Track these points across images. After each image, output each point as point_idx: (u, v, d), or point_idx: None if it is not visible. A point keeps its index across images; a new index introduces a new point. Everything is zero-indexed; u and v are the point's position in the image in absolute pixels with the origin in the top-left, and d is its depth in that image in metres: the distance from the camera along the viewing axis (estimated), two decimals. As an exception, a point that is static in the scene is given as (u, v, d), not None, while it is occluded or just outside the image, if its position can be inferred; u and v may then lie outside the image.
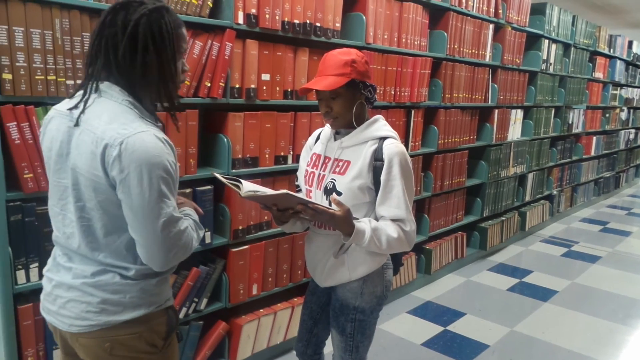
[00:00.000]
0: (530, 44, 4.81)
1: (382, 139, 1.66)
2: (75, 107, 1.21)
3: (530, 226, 5.36)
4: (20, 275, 1.81)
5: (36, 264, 1.84)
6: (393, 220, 1.62)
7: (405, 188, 1.62)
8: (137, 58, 1.19)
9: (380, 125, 1.69)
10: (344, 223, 1.54)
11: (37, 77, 1.74)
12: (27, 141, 1.74)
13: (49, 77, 1.77)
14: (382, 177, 1.61)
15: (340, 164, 1.69)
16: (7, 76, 1.68)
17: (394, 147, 1.63)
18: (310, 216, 1.55)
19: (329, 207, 1.55)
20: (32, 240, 1.82)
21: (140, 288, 1.28)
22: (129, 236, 1.24)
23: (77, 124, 1.20)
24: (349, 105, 1.65)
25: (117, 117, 1.18)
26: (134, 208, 1.17)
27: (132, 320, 1.27)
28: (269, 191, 1.51)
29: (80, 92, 1.23)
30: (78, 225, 1.24)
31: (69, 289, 1.27)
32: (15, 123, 1.71)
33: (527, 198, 5.25)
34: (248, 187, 1.49)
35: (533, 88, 4.89)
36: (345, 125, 1.71)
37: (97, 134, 1.16)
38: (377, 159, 1.63)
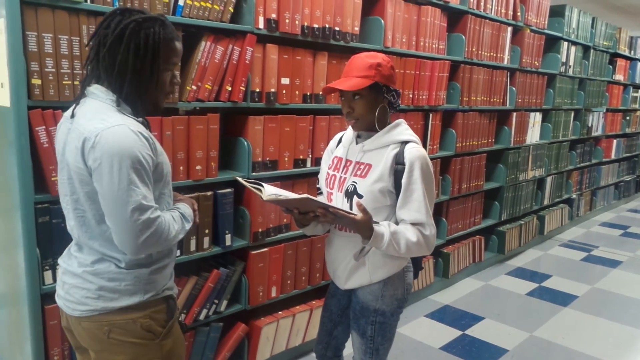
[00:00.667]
0: (549, 47, 4.77)
1: (404, 143, 1.67)
2: (72, 113, 1.35)
3: (549, 230, 5.31)
4: (47, 275, 1.85)
5: (62, 265, 1.88)
6: (413, 224, 1.63)
7: (426, 192, 1.63)
8: (117, 57, 1.30)
9: (402, 129, 1.70)
10: (363, 227, 1.56)
11: (64, 82, 1.78)
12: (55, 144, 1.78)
13: (75, 82, 1.81)
14: (403, 181, 1.62)
15: (362, 167, 1.70)
16: (37, 81, 1.72)
17: (415, 151, 1.64)
18: (331, 220, 1.57)
19: (350, 211, 1.56)
20: (59, 242, 1.86)
21: (134, 277, 1.37)
22: None
23: (70, 127, 1.32)
24: (371, 107, 1.67)
25: (98, 113, 1.29)
26: (105, 195, 1.27)
27: (128, 307, 1.37)
28: (290, 195, 1.53)
29: (78, 97, 1.38)
30: (75, 217, 1.37)
31: (73, 276, 1.40)
32: (43, 127, 1.75)
33: (546, 202, 5.20)
34: (270, 191, 1.51)
35: (552, 91, 4.85)
36: (366, 128, 1.72)
37: (80, 130, 1.28)
38: (398, 162, 1.64)
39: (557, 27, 4.74)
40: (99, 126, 1.25)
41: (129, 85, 1.33)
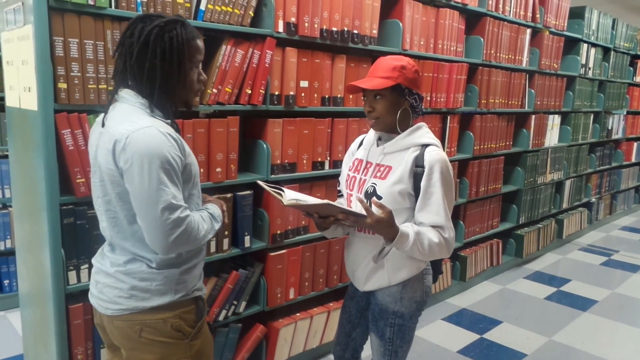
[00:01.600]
0: (569, 49, 4.72)
1: (424, 146, 1.67)
2: (104, 117, 1.39)
3: (568, 234, 5.25)
4: (72, 275, 1.89)
5: (86, 265, 1.92)
6: (432, 227, 1.63)
7: (445, 195, 1.63)
8: (146, 65, 1.34)
9: (423, 133, 1.71)
10: (386, 226, 1.55)
11: (89, 86, 1.82)
12: (80, 147, 1.82)
13: (100, 86, 1.84)
14: (422, 184, 1.63)
15: (382, 169, 1.71)
16: (63, 85, 1.76)
17: (435, 154, 1.64)
18: (352, 223, 1.58)
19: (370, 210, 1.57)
20: (83, 243, 1.90)
21: (165, 277, 1.40)
22: None
23: (102, 131, 1.37)
24: (392, 108, 1.68)
25: (128, 116, 1.33)
26: (136, 195, 1.30)
27: (159, 307, 1.40)
28: (310, 200, 1.54)
29: (108, 102, 1.42)
30: (107, 218, 1.41)
31: (106, 275, 1.43)
32: (69, 130, 1.79)
33: (565, 205, 5.14)
34: (290, 195, 1.52)
35: (571, 93, 4.80)
36: (385, 128, 1.73)
37: (111, 132, 1.32)
38: (418, 165, 1.65)
39: (577, 29, 4.69)
40: (129, 128, 1.29)
41: (160, 89, 1.36)
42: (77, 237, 1.88)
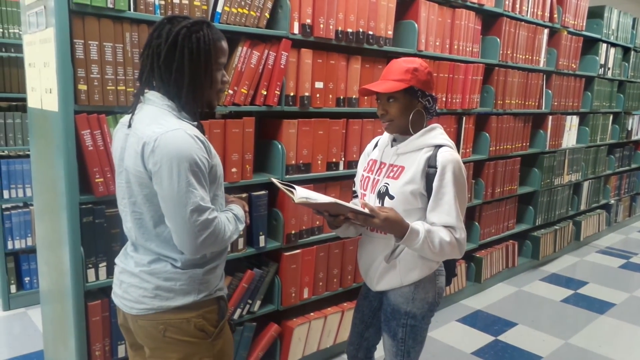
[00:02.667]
0: (587, 48, 4.67)
1: (438, 146, 1.68)
2: (130, 120, 1.40)
3: (586, 236, 5.18)
4: (91, 273, 1.93)
5: (104, 263, 1.95)
6: (444, 227, 1.64)
7: (457, 196, 1.63)
8: (174, 65, 1.35)
9: (436, 134, 1.71)
10: (396, 224, 1.56)
11: (108, 87, 1.86)
12: (99, 147, 1.86)
13: (119, 88, 1.88)
14: (435, 184, 1.63)
15: (395, 169, 1.72)
16: (83, 87, 1.80)
17: (448, 154, 1.64)
18: (362, 222, 1.59)
19: (380, 207, 1.59)
20: (102, 241, 1.94)
21: (189, 277, 1.41)
22: None
23: (129, 132, 1.38)
24: (405, 110, 1.69)
25: (156, 119, 1.34)
26: (165, 197, 1.31)
27: (183, 306, 1.41)
28: (320, 198, 1.56)
29: (133, 104, 1.42)
30: (132, 219, 1.42)
31: (130, 275, 1.44)
32: (88, 130, 1.83)
33: (583, 207, 5.08)
34: (301, 193, 1.54)
35: (589, 94, 4.74)
36: (399, 130, 1.74)
37: (139, 135, 1.33)
38: (430, 165, 1.65)
39: (596, 29, 4.63)
40: (157, 130, 1.30)
41: (187, 89, 1.37)
42: (95, 235, 1.92)
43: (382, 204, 1.70)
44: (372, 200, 1.75)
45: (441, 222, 1.63)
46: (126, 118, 1.44)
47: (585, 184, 5.04)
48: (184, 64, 1.35)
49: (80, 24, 1.77)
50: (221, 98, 2.16)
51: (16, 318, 3.20)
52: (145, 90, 1.41)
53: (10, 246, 3.26)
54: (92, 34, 1.80)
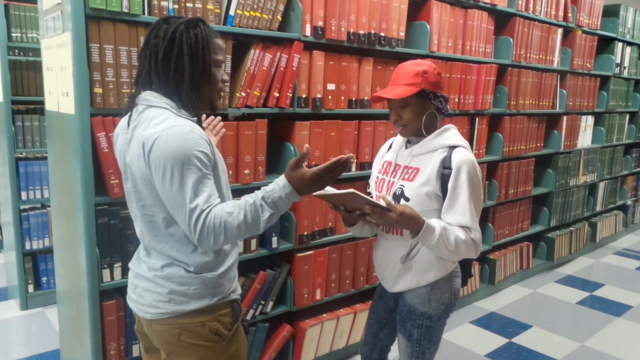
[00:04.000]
0: (602, 48, 4.62)
1: (452, 147, 1.68)
2: (129, 122, 1.39)
3: (602, 237, 5.12)
4: (106, 273, 1.96)
5: (119, 264, 1.98)
6: (459, 226, 1.64)
7: (472, 196, 1.63)
8: (173, 61, 1.34)
9: (450, 134, 1.71)
10: (412, 219, 1.56)
11: (123, 90, 1.89)
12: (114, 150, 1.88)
13: (134, 91, 1.90)
14: (450, 185, 1.63)
15: (410, 171, 1.72)
16: (98, 90, 1.83)
17: (463, 155, 1.65)
18: (377, 216, 1.58)
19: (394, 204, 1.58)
20: (116, 242, 1.97)
21: (202, 281, 1.41)
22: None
23: (131, 136, 1.37)
24: (418, 114, 1.69)
25: (154, 119, 1.33)
26: (165, 198, 1.32)
27: (197, 310, 1.41)
28: (337, 191, 1.57)
29: (131, 106, 1.40)
30: (143, 222, 1.41)
31: (144, 280, 1.44)
32: (104, 133, 1.86)
33: (599, 208, 5.02)
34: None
35: (605, 93, 4.69)
36: (414, 134, 1.74)
37: (139, 137, 1.32)
38: (445, 166, 1.65)
39: (611, 28, 4.58)
40: (153, 131, 1.30)
41: (188, 85, 1.36)
42: (110, 236, 1.95)
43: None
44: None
45: (456, 222, 1.63)
46: (124, 121, 1.42)
47: (601, 185, 4.98)
48: (183, 59, 1.34)
49: (96, 29, 1.80)
50: (233, 100, 2.21)
51: (33, 317, 3.26)
52: (141, 92, 1.39)
53: (28, 246, 3.32)
54: (107, 38, 1.83)
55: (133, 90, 1.43)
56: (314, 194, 1.48)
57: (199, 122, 1.42)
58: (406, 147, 1.79)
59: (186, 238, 1.38)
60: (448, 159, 1.65)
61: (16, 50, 3.60)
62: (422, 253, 1.71)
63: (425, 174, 1.67)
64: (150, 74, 1.38)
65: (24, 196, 3.29)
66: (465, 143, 1.72)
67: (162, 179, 1.29)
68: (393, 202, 1.58)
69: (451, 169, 1.63)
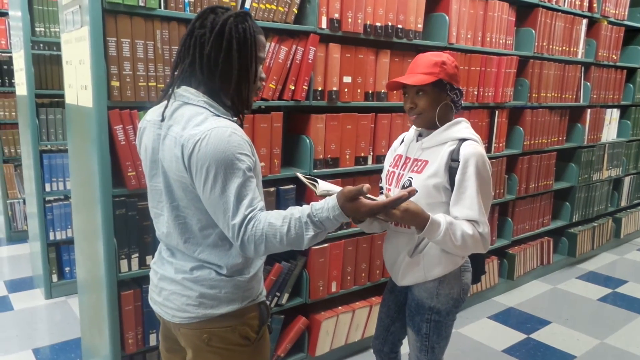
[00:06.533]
0: (630, 39, 4.50)
1: (462, 140, 1.66)
2: (161, 117, 1.32)
3: (626, 233, 5.01)
4: (123, 264, 2.00)
5: (137, 254, 2.02)
6: (467, 221, 1.62)
7: (480, 190, 1.61)
8: (221, 55, 1.28)
9: (461, 128, 1.70)
10: (416, 215, 1.54)
11: (140, 83, 1.91)
12: (131, 142, 1.92)
13: (150, 84, 1.93)
14: (457, 177, 1.62)
15: (419, 163, 1.72)
16: (115, 83, 1.86)
17: (471, 148, 1.63)
18: (382, 213, 1.58)
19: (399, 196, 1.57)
20: (134, 233, 2.00)
21: (234, 284, 1.36)
22: (217, 228, 1.32)
23: (164, 134, 1.30)
24: (433, 103, 1.68)
25: (193, 118, 1.26)
26: (206, 202, 1.26)
27: (227, 314, 1.36)
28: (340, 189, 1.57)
29: (164, 102, 1.33)
30: (175, 224, 1.35)
31: (171, 282, 1.39)
32: (121, 126, 1.89)
33: (623, 203, 4.91)
34: (323, 186, 1.56)
35: (632, 86, 4.57)
36: (427, 124, 1.73)
37: (177, 137, 1.26)
38: (453, 159, 1.64)
39: (639, 18, 4.45)
40: (193, 133, 1.23)
41: (235, 83, 1.30)
42: (128, 227, 1.99)
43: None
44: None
45: (463, 216, 1.61)
46: (151, 116, 1.37)
47: (627, 180, 4.86)
48: (232, 55, 1.27)
49: (113, 23, 1.83)
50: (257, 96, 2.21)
51: (57, 306, 3.34)
52: (177, 86, 1.33)
53: (52, 237, 3.40)
54: (124, 32, 1.85)
55: (168, 81, 1.37)
56: (318, 193, 1.47)
57: (240, 123, 1.36)
58: (417, 140, 1.77)
59: (220, 241, 1.34)
60: (456, 152, 1.64)
61: (40, 45, 3.68)
62: (430, 247, 1.70)
63: (434, 166, 1.66)
64: (194, 66, 1.30)
65: (47, 188, 3.37)
66: (476, 137, 1.70)
67: (203, 183, 1.23)
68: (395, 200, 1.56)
69: (459, 162, 1.62)
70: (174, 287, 1.38)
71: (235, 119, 1.34)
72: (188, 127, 1.25)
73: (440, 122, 1.70)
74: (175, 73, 1.34)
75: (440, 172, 1.65)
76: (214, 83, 1.30)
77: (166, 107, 1.31)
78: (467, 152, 1.62)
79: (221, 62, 1.28)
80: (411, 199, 1.65)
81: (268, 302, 2.39)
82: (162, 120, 1.31)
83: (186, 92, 1.31)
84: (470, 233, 1.59)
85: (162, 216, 1.39)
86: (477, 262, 1.86)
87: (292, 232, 1.24)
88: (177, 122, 1.28)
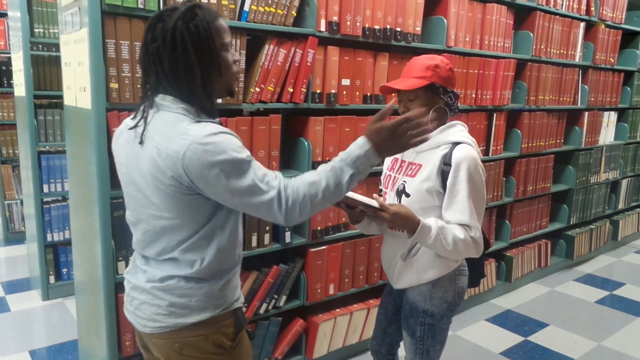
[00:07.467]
0: (627, 42, 4.51)
1: (455, 144, 1.66)
2: (137, 125, 1.27)
3: (624, 236, 5.02)
4: (121, 265, 2.00)
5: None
6: (459, 225, 1.62)
7: (471, 194, 1.60)
8: (180, 64, 1.22)
9: (455, 131, 1.70)
10: (406, 219, 1.56)
11: (139, 86, 1.91)
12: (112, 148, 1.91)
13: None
14: (449, 181, 1.62)
15: (413, 167, 1.72)
16: (114, 85, 1.86)
17: (463, 152, 1.62)
18: (373, 215, 1.60)
19: (389, 204, 1.60)
20: (131, 235, 1.99)
21: (204, 292, 1.32)
22: (194, 235, 1.28)
23: (141, 141, 1.24)
24: (426, 107, 1.68)
25: (175, 127, 1.21)
26: (227, 201, 1.23)
27: (199, 323, 1.32)
28: None
29: (141, 109, 1.29)
30: (152, 231, 1.31)
31: (142, 291, 1.34)
32: (119, 128, 1.88)
33: (621, 206, 4.93)
34: None
35: (629, 89, 4.59)
36: None
37: (159, 147, 1.20)
38: (446, 163, 1.64)
39: (636, 22, 4.48)
40: (179, 142, 1.18)
41: (202, 84, 1.25)
42: (125, 229, 1.94)
43: (400, 202, 1.71)
44: (392, 198, 1.76)
45: (455, 220, 1.61)
46: (131, 122, 1.31)
47: (624, 182, 4.88)
48: (191, 61, 1.22)
49: (112, 24, 1.83)
50: (247, 95, 2.21)
51: (54, 308, 3.34)
52: (155, 95, 1.27)
53: (49, 238, 3.40)
54: (123, 34, 1.85)
55: (141, 96, 1.32)
56: None
57: (220, 124, 1.30)
58: None
59: (193, 245, 1.29)
60: (449, 156, 1.63)
61: (39, 46, 3.67)
62: (423, 251, 1.70)
63: (427, 170, 1.67)
64: (159, 81, 1.26)
65: (45, 189, 3.37)
66: (471, 140, 1.69)
67: (212, 187, 1.20)
68: (386, 203, 1.58)
69: (451, 165, 1.62)
70: (144, 297, 1.34)
71: (217, 120, 1.29)
72: (172, 138, 1.19)
73: (434, 125, 1.71)
74: (147, 87, 1.30)
75: (432, 176, 1.65)
76: (183, 90, 1.25)
77: (145, 114, 1.27)
78: (459, 156, 1.61)
79: (183, 72, 1.23)
80: (404, 203, 1.67)
81: (266, 305, 2.41)
82: (142, 128, 1.26)
83: (164, 100, 1.26)
84: (461, 237, 1.59)
85: (140, 223, 1.34)
86: (477, 266, 1.86)
87: (331, 183, 1.25)
88: (157, 130, 1.23)
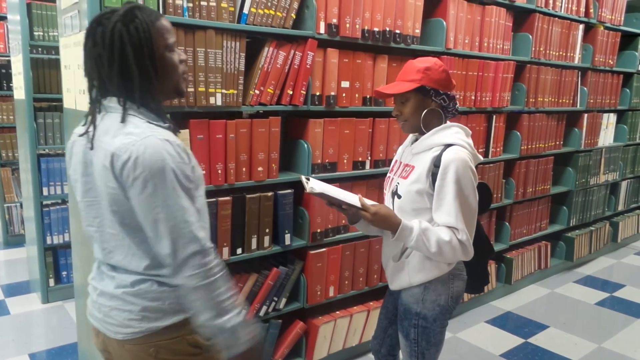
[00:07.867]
0: (626, 44, 4.52)
1: (447, 145, 1.65)
2: (87, 130, 1.24)
3: (623, 237, 5.02)
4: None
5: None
6: (447, 227, 1.61)
7: (458, 196, 1.59)
8: (120, 65, 1.19)
9: (449, 133, 1.68)
10: (387, 219, 1.59)
11: (138, 88, 1.91)
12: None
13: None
14: (437, 183, 1.61)
15: (407, 168, 1.73)
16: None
17: (452, 153, 1.61)
18: (355, 214, 1.67)
19: (368, 205, 1.63)
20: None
21: (177, 295, 1.28)
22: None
23: (92, 146, 1.22)
24: (418, 110, 1.69)
25: (122, 128, 1.19)
26: (143, 218, 1.19)
27: (173, 325, 1.29)
28: (327, 189, 1.62)
29: (89, 114, 1.26)
30: (113, 239, 1.27)
31: (111, 298, 1.30)
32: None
33: (620, 207, 4.93)
34: (312, 184, 1.60)
35: (628, 90, 4.59)
36: (415, 130, 1.75)
37: (107, 148, 1.18)
38: (436, 164, 1.63)
39: (635, 23, 4.49)
40: (126, 142, 1.16)
41: (142, 84, 1.21)
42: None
43: (394, 203, 1.73)
44: (388, 199, 1.77)
45: (442, 222, 1.61)
46: (79, 130, 1.29)
47: (624, 184, 4.88)
48: (129, 62, 1.19)
49: (112, 27, 1.83)
50: (247, 98, 2.22)
51: (54, 311, 3.33)
52: (102, 98, 1.24)
53: (49, 241, 3.39)
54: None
55: (89, 102, 1.28)
56: (307, 191, 1.53)
57: (173, 129, 1.27)
58: (411, 145, 1.79)
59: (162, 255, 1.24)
60: (439, 157, 1.62)
61: (39, 49, 3.68)
62: (415, 253, 1.70)
63: (417, 172, 1.67)
64: (104, 86, 1.23)
65: (45, 192, 3.36)
66: (465, 142, 1.67)
67: (138, 195, 1.16)
68: (367, 203, 1.61)
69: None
70: (114, 303, 1.29)
71: (167, 124, 1.26)
72: (119, 136, 1.17)
73: (426, 128, 1.71)
74: (91, 95, 1.27)
75: (422, 177, 1.65)
76: (126, 93, 1.22)
77: (94, 119, 1.24)
78: (448, 158, 1.60)
79: (122, 74, 1.20)
80: (397, 205, 1.68)
81: (265, 307, 2.41)
82: (92, 133, 1.23)
83: (111, 102, 1.23)
84: (446, 240, 1.57)
85: (103, 232, 1.29)
86: (476, 270, 1.85)
87: (210, 314, 1.22)
88: (106, 132, 1.21)
